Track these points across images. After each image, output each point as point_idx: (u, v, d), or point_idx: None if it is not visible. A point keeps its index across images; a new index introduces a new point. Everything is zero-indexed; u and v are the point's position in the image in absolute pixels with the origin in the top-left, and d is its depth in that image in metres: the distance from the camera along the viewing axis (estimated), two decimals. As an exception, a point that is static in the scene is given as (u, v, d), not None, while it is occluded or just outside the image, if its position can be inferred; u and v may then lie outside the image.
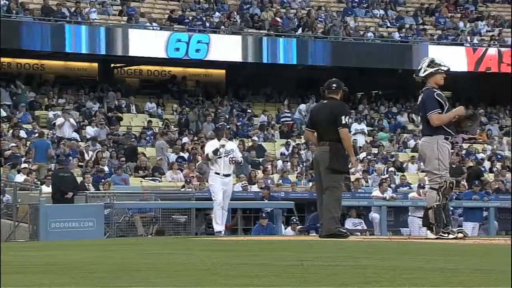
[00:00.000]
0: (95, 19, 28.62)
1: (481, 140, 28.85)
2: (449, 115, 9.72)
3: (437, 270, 5.40)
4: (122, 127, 26.53)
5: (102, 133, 25.43)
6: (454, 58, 28.30)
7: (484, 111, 31.93)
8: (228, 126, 15.84)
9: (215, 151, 13.88)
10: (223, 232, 14.11)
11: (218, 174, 13.92)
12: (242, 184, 21.60)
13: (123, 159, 23.38)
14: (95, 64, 30.31)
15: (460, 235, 9.89)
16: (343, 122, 10.33)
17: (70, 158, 22.57)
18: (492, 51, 31.03)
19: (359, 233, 18.72)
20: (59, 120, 24.56)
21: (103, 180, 20.84)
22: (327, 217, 10.33)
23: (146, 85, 31.38)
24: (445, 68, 9.90)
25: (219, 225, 13.99)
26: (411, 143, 27.58)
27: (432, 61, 9.95)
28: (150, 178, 22.66)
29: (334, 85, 10.64)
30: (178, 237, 15.61)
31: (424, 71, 9.88)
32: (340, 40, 30.29)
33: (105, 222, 17.62)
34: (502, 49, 31.19)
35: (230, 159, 13.95)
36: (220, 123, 15.99)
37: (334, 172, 10.34)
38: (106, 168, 22.36)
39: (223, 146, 13.97)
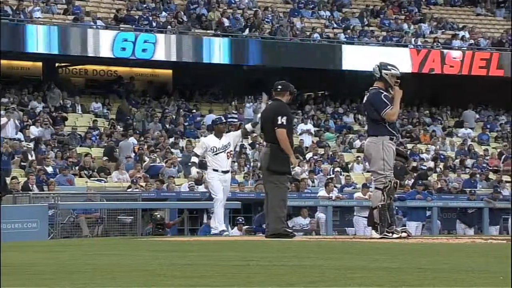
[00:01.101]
0: (39, 17, 28.22)
1: (424, 142, 29.32)
2: (396, 105, 9.87)
3: (381, 269, 5.47)
4: (67, 127, 26.22)
5: (46, 133, 25.10)
6: (399, 59, 28.69)
7: (428, 111, 32.47)
8: (224, 120, 14.49)
9: (198, 175, 13.00)
10: (225, 232, 13.15)
11: (216, 171, 13.01)
12: (189, 184, 21.55)
13: (71, 160, 23.20)
14: (39, 63, 29.89)
15: (404, 234, 10.04)
16: (279, 122, 10.40)
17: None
18: (435, 52, 31.54)
19: (302, 233, 18.79)
20: (3, 120, 24.16)
21: (49, 180, 20.53)
22: (273, 217, 10.42)
23: (91, 84, 31.07)
24: (397, 92, 9.92)
25: (220, 224, 13.05)
26: (357, 143, 27.84)
27: (397, 76, 10.02)
28: (96, 178, 22.47)
29: (280, 86, 10.73)
30: (124, 237, 15.50)
31: (386, 74, 9.95)
32: (287, 41, 30.44)
33: (49, 223, 17.40)
34: (445, 50, 31.73)
35: (228, 154, 13.15)
36: (217, 117, 14.77)
37: (274, 173, 10.46)
38: (50, 169, 22.09)
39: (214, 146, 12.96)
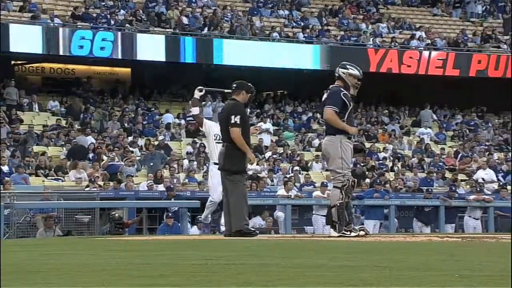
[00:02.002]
0: (-6, 14, 27.83)
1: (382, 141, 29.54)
2: (342, 124, 9.82)
3: (339, 268, 5.50)
4: (24, 126, 25.90)
5: (2, 132, 24.78)
6: (357, 59, 28.88)
7: (387, 110, 32.75)
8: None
9: (200, 88, 12.15)
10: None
11: (217, 164, 12.09)
12: (148, 183, 21.45)
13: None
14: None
15: (362, 232, 10.11)
16: (233, 121, 10.38)
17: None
18: (393, 52, 31.82)
19: (258, 232, 18.74)
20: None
21: (5, 179, 20.25)
22: (234, 215, 10.44)
23: (49, 83, 30.73)
24: (353, 93, 9.97)
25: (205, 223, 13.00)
26: (316, 142, 27.97)
27: (358, 78, 10.05)
28: (53, 177, 22.23)
29: (234, 85, 10.74)
30: (82, 237, 15.37)
31: (343, 73, 9.97)
32: (247, 40, 30.46)
33: (4, 222, 17.17)
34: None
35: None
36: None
37: (230, 172, 10.49)
38: (6, 168, 21.82)
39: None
